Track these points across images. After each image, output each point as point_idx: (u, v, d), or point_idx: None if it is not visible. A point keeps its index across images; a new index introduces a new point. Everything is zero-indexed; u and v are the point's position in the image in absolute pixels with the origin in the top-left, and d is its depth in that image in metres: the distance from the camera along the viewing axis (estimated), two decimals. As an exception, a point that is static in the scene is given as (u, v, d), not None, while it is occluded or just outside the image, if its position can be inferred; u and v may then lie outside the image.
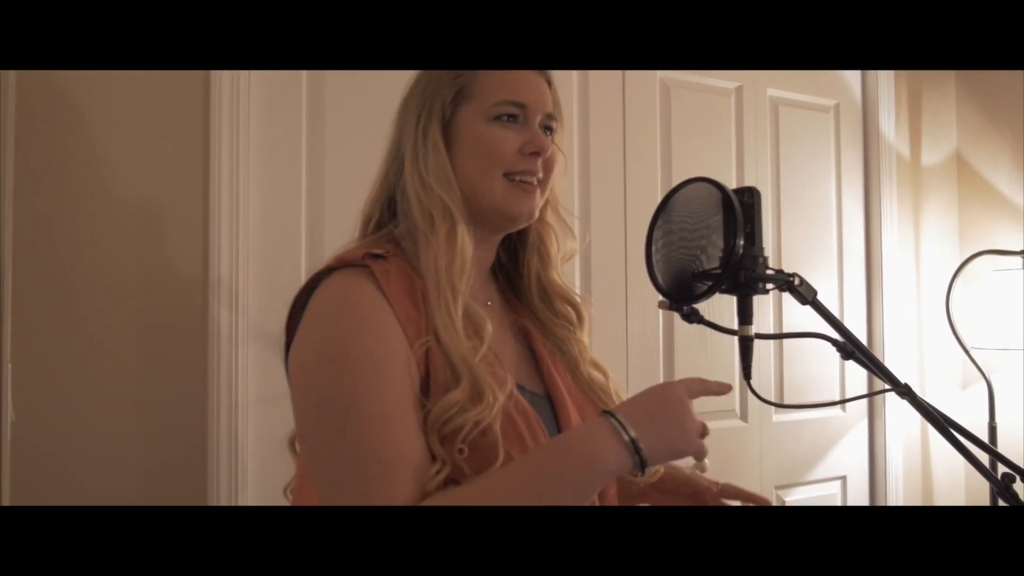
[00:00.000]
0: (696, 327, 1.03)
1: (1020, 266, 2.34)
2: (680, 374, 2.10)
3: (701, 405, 2.25)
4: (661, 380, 2.07)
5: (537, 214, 1.03)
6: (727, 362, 2.18)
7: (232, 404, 1.53)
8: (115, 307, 1.47)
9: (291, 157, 1.64)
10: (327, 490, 0.86)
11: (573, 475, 0.84)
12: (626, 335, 2.03)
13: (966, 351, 2.41)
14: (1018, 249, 2.37)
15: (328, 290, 0.92)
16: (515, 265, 1.12)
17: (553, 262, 1.11)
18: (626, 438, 0.85)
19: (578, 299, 1.13)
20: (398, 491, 0.83)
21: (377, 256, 0.94)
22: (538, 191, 1.01)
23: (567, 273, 1.91)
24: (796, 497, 2.34)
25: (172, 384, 1.51)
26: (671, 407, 0.89)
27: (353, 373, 0.86)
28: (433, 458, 0.86)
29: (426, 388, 0.88)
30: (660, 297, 1.00)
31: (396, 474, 0.83)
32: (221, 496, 1.51)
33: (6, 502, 1.33)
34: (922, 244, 2.62)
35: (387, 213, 1.03)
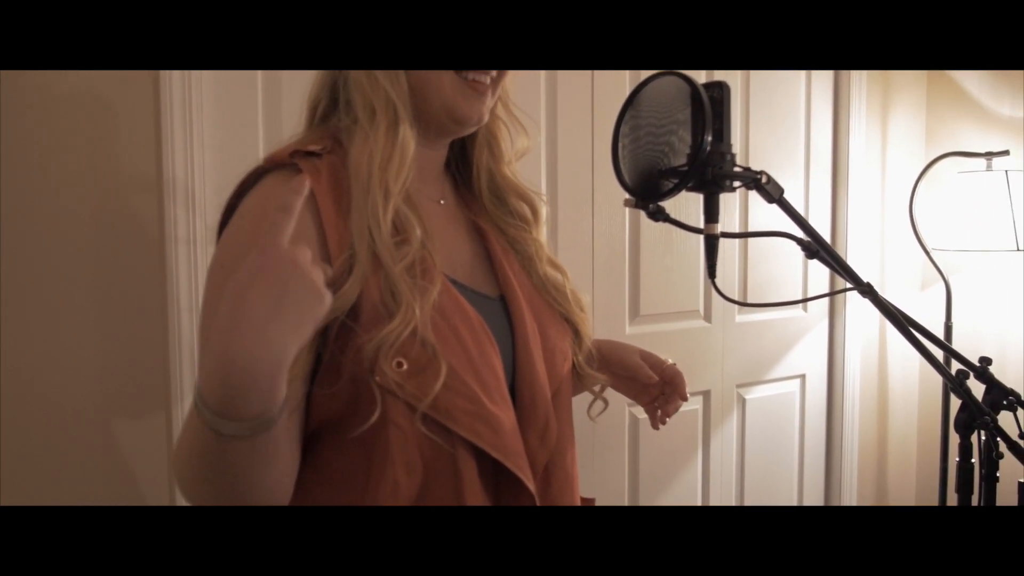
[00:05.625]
0: (662, 227, 1.03)
1: (984, 168, 2.36)
2: (646, 275, 2.11)
3: (665, 306, 2.27)
4: (627, 282, 2.09)
5: (487, 118, 0.98)
6: (692, 263, 2.19)
7: (192, 307, 1.51)
8: (66, 207, 1.42)
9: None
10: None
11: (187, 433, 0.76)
12: (592, 236, 2.02)
13: (926, 252, 2.44)
14: (983, 151, 2.38)
15: (251, 198, 0.89)
16: (464, 161, 1.07)
17: (505, 157, 1.06)
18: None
19: (533, 195, 1.08)
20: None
21: (310, 154, 0.89)
22: (489, 92, 0.96)
23: (534, 173, 1.90)
24: (756, 395, 2.39)
25: (130, 287, 1.48)
26: (226, 305, 0.67)
27: None
28: (361, 392, 0.84)
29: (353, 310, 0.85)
30: (627, 196, 0.99)
31: None
32: (184, 400, 1.51)
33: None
34: (889, 145, 2.61)
35: (331, 101, 0.98)
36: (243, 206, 0.89)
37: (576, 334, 1.07)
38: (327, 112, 0.98)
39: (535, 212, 1.08)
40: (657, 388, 1.15)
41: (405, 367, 0.83)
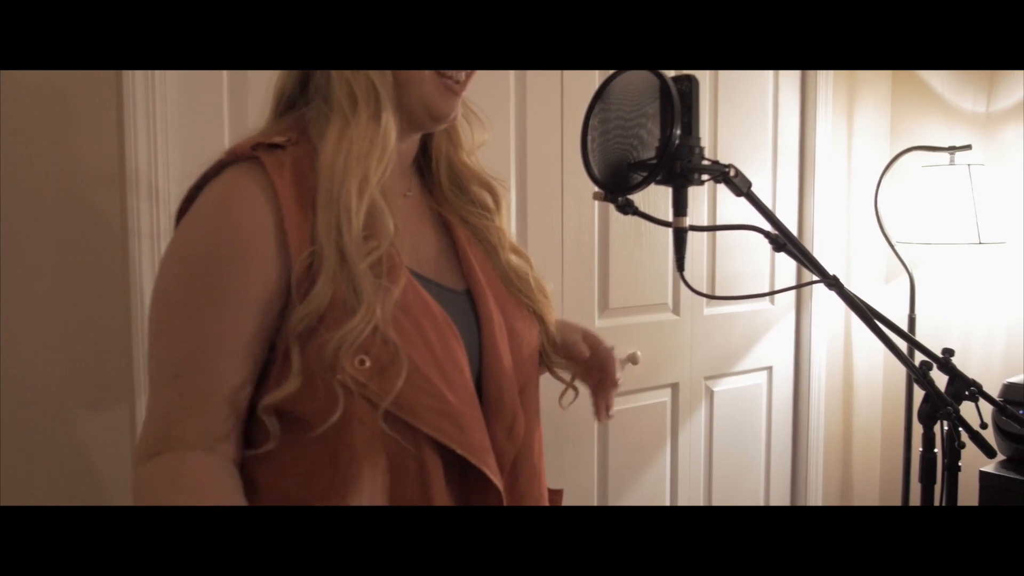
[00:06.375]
0: (631, 221, 1.03)
1: (947, 162, 2.39)
2: (615, 268, 2.12)
3: (634, 299, 2.28)
4: (596, 275, 2.09)
5: (458, 115, 0.98)
6: (661, 256, 2.20)
7: (157, 301, 1.48)
8: (27, 201, 1.39)
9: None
10: (149, 383, 0.87)
11: None
12: (561, 229, 2.02)
13: (891, 245, 2.48)
14: (946, 146, 2.41)
15: (210, 191, 0.87)
16: (425, 153, 1.06)
17: (465, 145, 1.05)
18: None
19: (494, 182, 1.07)
20: (187, 408, 0.83)
21: (274, 146, 0.88)
22: (462, 91, 0.96)
23: (503, 167, 1.89)
24: (724, 387, 2.41)
25: (93, 281, 1.45)
26: None
27: (194, 284, 0.84)
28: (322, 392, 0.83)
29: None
30: (596, 189, 0.99)
31: (185, 388, 0.83)
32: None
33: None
34: (854, 139, 2.64)
35: (300, 89, 0.96)
36: (203, 198, 0.87)
37: (542, 323, 1.07)
38: (294, 100, 0.96)
39: (497, 199, 1.07)
40: (596, 371, 1.13)
41: (367, 365, 0.82)
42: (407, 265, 0.90)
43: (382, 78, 0.90)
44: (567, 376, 1.13)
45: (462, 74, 0.94)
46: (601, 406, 1.14)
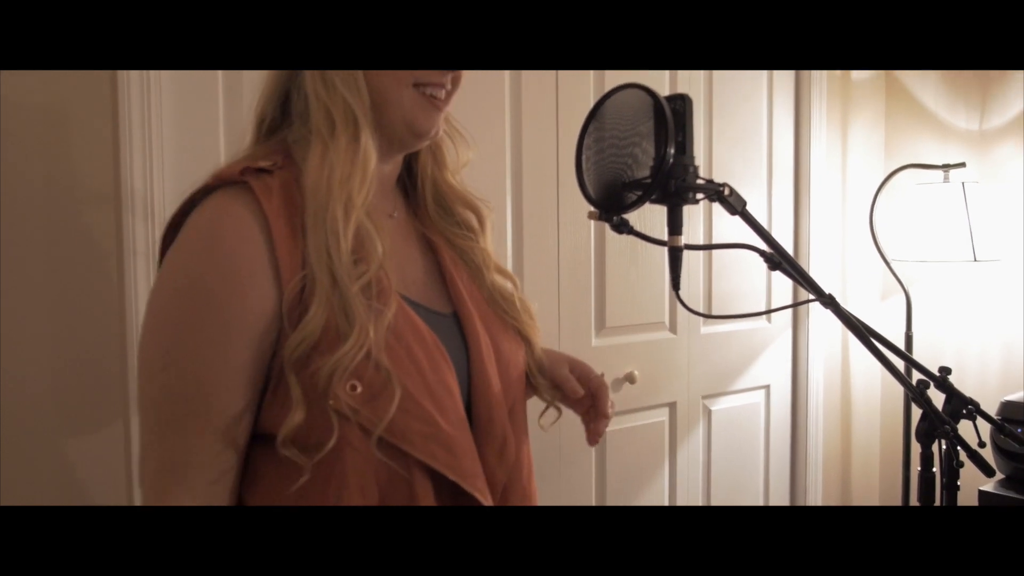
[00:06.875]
0: (627, 240, 1.02)
1: (942, 180, 2.40)
2: (611, 287, 2.12)
3: (631, 318, 2.28)
4: (592, 294, 2.09)
5: (441, 131, 0.98)
6: (657, 275, 2.20)
7: (151, 321, 1.48)
8: (21, 220, 1.38)
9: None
10: (140, 416, 0.86)
11: None
12: (557, 249, 2.02)
13: (887, 263, 2.48)
14: (940, 163, 2.42)
15: (199, 216, 0.86)
16: (410, 173, 1.06)
17: (450, 166, 1.05)
18: None
19: (479, 202, 1.07)
20: (192, 449, 0.82)
21: (261, 171, 0.87)
22: (444, 106, 0.95)
23: (499, 187, 1.90)
24: (722, 406, 2.40)
25: (87, 302, 1.45)
26: None
27: (197, 316, 0.82)
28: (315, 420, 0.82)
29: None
30: (591, 208, 0.98)
31: (191, 428, 0.82)
32: (143, 415, 1.48)
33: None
34: (849, 157, 2.65)
35: (281, 113, 0.95)
36: (192, 224, 0.86)
37: (528, 343, 1.06)
38: (275, 126, 0.96)
39: (481, 220, 1.07)
40: (587, 401, 1.11)
41: (359, 390, 0.82)
42: (396, 289, 0.89)
43: (358, 99, 0.89)
44: (549, 397, 1.12)
45: (443, 91, 0.94)
46: (590, 435, 1.12)
